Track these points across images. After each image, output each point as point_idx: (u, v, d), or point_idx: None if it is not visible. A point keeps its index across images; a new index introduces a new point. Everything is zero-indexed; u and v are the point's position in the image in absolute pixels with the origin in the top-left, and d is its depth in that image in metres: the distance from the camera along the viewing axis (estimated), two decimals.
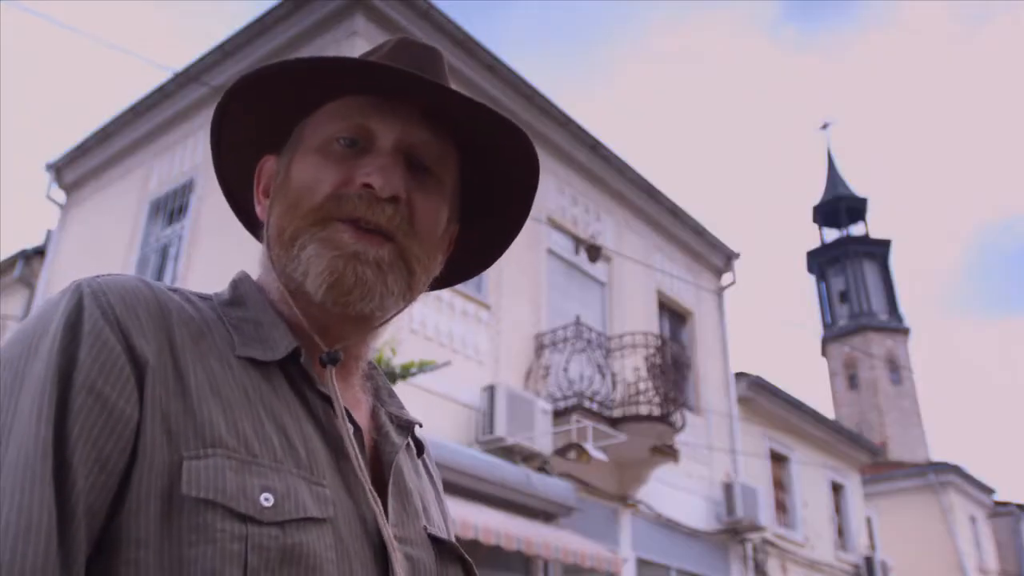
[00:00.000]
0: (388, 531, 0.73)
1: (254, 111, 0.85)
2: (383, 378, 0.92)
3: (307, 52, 9.22)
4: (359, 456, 0.75)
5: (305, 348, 0.79)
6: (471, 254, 0.96)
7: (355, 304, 0.77)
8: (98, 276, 0.74)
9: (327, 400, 0.77)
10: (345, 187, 0.78)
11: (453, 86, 0.87)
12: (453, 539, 0.88)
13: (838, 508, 16.43)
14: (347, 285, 0.76)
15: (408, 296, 0.81)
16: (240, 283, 0.85)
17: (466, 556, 0.84)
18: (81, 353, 0.67)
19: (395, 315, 0.84)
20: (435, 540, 0.81)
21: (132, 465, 0.65)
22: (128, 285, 0.73)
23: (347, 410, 0.78)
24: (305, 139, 0.83)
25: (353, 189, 0.78)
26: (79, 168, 11.86)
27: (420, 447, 0.94)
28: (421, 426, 0.91)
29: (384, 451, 0.82)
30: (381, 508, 0.74)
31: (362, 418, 0.83)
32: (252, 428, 0.70)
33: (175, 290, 0.79)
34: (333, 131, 0.81)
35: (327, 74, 0.81)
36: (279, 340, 0.78)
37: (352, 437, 0.76)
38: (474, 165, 0.88)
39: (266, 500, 0.66)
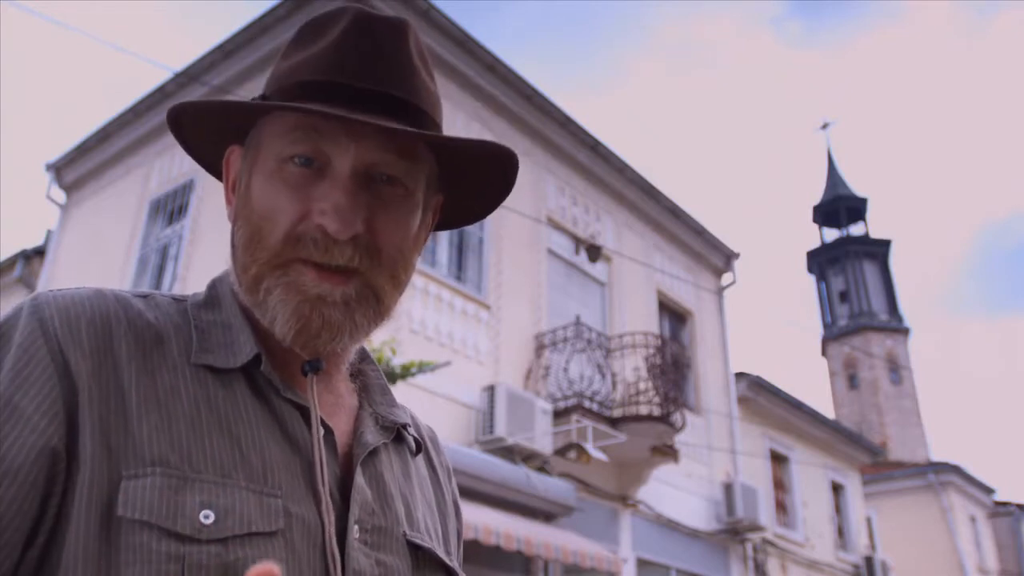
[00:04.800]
0: (333, 542, 0.70)
1: (212, 114, 0.82)
2: (378, 375, 0.89)
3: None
4: (323, 463, 0.73)
5: (280, 353, 0.78)
6: (468, 202, 0.91)
7: (324, 346, 0.75)
8: (51, 290, 0.74)
9: (295, 406, 0.76)
10: (301, 222, 0.74)
11: (427, 56, 0.83)
12: (441, 543, 0.85)
13: (838, 508, 16.43)
14: (314, 329, 0.74)
15: (379, 320, 0.79)
16: (218, 283, 0.84)
17: (449, 563, 0.82)
18: (5, 365, 0.67)
19: (372, 333, 0.82)
20: (414, 547, 0.79)
21: (68, 483, 0.65)
22: (75, 299, 0.72)
23: (320, 415, 0.77)
24: (263, 148, 0.79)
25: (309, 228, 0.74)
26: (79, 168, 11.86)
27: (419, 446, 0.90)
28: (408, 427, 0.88)
29: (355, 454, 0.79)
30: (331, 517, 0.71)
31: (341, 421, 0.81)
32: (197, 442, 0.69)
33: (145, 295, 0.79)
34: (288, 151, 0.76)
35: (270, 109, 0.77)
36: (244, 345, 0.76)
37: (321, 443, 0.73)
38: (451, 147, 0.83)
39: (206, 517, 0.65)
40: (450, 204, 0.89)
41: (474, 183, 0.87)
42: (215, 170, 0.90)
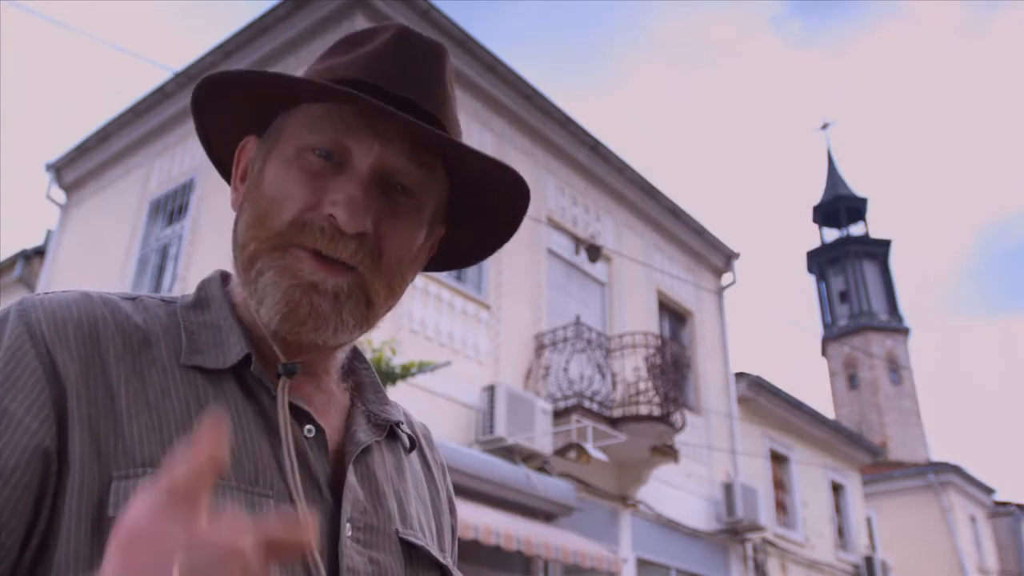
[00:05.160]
0: (314, 548, 0.70)
1: (238, 97, 0.82)
2: (370, 373, 0.89)
3: (307, 52, 9.22)
4: (294, 463, 0.72)
5: (269, 353, 0.77)
6: (465, 245, 0.92)
7: (308, 335, 0.74)
8: (37, 294, 0.74)
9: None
10: (311, 211, 0.74)
11: (455, 86, 0.84)
12: (435, 541, 0.85)
13: (838, 508, 16.43)
14: (301, 315, 0.73)
15: (365, 326, 0.78)
16: (207, 284, 0.83)
17: (442, 561, 0.82)
18: None
19: (354, 339, 0.82)
20: (407, 544, 0.79)
21: (60, 486, 0.65)
22: (62, 302, 0.72)
23: (310, 413, 0.77)
24: (284, 136, 0.79)
25: (318, 217, 0.74)
26: (79, 168, 11.87)
27: (412, 443, 0.90)
28: (401, 425, 0.87)
29: (347, 452, 0.79)
30: (307, 512, 0.71)
31: (332, 419, 0.81)
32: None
33: (133, 298, 0.78)
34: (310, 141, 0.76)
35: (305, 85, 0.77)
36: (233, 346, 0.76)
37: (291, 443, 0.73)
38: (465, 174, 0.83)
39: None
40: (450, 241, 0.89)
41: (481, 212, 0.87)
42: (221, 161, 0.89)
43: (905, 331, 39.17)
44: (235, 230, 0.79)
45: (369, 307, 0.77)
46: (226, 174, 0.89)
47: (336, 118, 0.76)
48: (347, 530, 0.74)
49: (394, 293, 0.80)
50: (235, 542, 0.45)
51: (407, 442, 0.89)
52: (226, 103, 0.83)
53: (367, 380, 0.88)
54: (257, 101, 0.81)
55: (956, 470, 23.88)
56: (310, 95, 0.78)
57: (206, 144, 0.88)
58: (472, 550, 7.05)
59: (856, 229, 43.77)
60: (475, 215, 0.88)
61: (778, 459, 14.81)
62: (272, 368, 0.78)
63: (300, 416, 0.76)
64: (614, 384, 10.15)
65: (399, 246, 0.78)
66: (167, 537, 0.46)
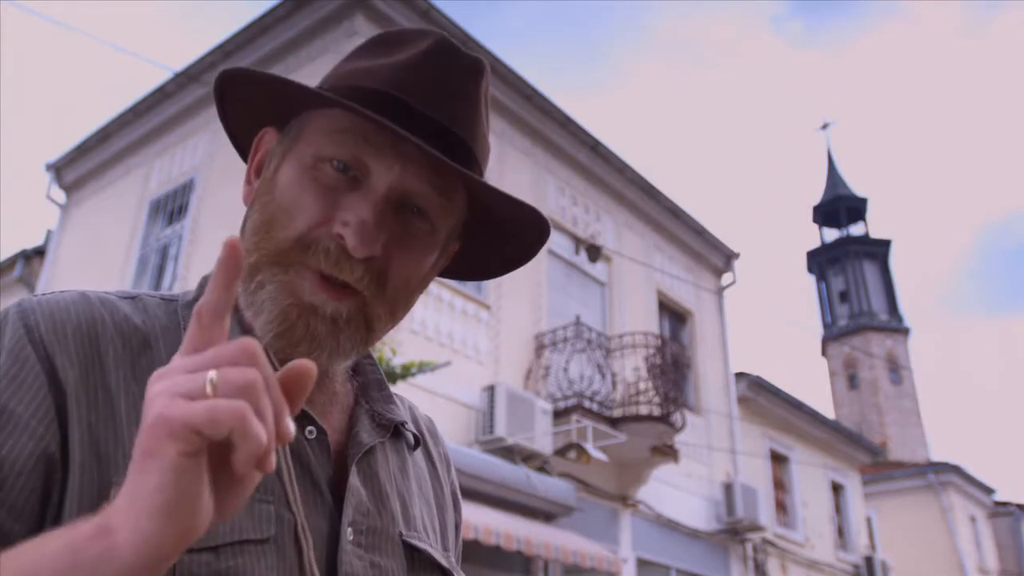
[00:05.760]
0: (310, 551, 0.69)
1: (260, 91, 0.79)
2: (374, 369, 0.88)
3: (307, 52, 9.22)
4: (290, 466, 0.70)
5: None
6: (475, 259, 0.90)
7: (300, 357, 0.71)
8: (36, 295, 0.72)
9: None
10: (319, 228, 0.72)
11: (489, 105, 0.82)
12: (439, 540, 0.84)
13: (838, 508, 16.43)
14: (296, 337, 0.72)
15: (363, 348, 0.77)
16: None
17: (444, 564, 0.81)
18: None
19: (350, 362, 0.80)
20: (411, 548, 0.78)
21: (62, 490, 0.64)
22: (61, 304, 0.71)
23: (311, 414, 0.75)
24: (303, 139, 0.76)
25: (325, 236, 0.72)
26: (79, 168, 11.87)
27: (417, 442, 0.88)
28: (405, 424, 0.86)
29: (349, 454, 0.77)
30: (305, 526, 0.69)
31: (334, 420, 0.79)
32: None
33: (133, 297, 0.77)
34: (329, 152, 0.74)
35: (331, 102, 0.74)
36: None
37: (286, 447, 0.70)
38: (485, 203, 0.81)
39: None
40: (464, 254, 0.88)
41: (496, 240, 0.86)
42: (242, 148, 0.87)
43: (905, 331, 39.17)
44: (242, 230, 0.78)
45: (369, 331, 0.76)
46: (244, 154, 0.87)
47: (358, 132, 0.73)
48: (348, 534, 0.73)
49: (396, 317, 0.78)
50: (257, 358, 0.50)
51: (412, 440, 0.87)
52: (248, 91, 0.81)
53: (372, 377, 0.87)
54: (279, 97, 0.79)
55: (956, 470, 23.88)
56: (334, 103, 0.76)
57: (226, 124, 0.86)
58: (472, 550, 7.05)
59: (856, 229, 43.78)
60: (491, 234, 0.86)
61: (778, 459, 14.81)
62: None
63: (301, 417, 0.74)
64: (614, 384, 10.15)
65: (407, 272, 0.76)
66: (199, 358, 0.50)
